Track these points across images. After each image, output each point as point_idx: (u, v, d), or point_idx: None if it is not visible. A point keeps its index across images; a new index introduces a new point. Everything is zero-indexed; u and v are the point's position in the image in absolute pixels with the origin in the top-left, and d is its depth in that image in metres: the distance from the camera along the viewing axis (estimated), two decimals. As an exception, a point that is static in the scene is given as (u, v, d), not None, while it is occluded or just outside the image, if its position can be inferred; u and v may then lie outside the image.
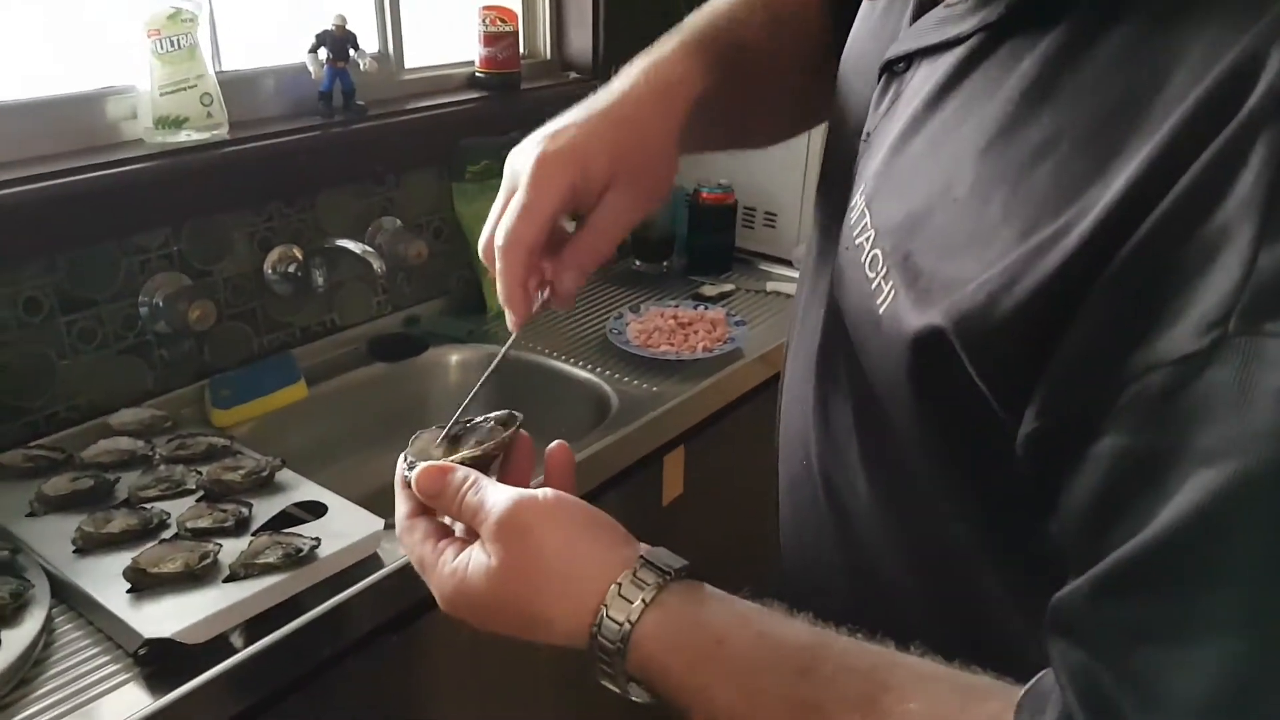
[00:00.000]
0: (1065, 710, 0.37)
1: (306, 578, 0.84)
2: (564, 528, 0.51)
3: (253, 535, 0.87)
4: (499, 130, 1.43)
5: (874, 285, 0.47)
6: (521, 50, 1.50)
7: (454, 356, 1.35)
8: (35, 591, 0.80)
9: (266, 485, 0.95)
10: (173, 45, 1.07)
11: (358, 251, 1.19)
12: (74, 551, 0.84)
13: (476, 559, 0.51)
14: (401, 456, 0.58)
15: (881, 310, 0.47)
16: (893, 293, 0.46)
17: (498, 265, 0.59)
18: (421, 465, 0.55)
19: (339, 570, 0.86)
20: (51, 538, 0.86)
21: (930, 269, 0.44)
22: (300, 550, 0.84)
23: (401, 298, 1.41)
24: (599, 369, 1.28)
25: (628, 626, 0.47)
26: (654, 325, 1.37)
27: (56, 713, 0.72)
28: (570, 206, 0.59)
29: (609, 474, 1.13)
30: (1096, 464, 0.36)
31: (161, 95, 1.07)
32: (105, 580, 0.81)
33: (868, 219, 0.50)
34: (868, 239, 0.49)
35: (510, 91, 1.46)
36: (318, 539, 0.85)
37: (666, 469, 1.24)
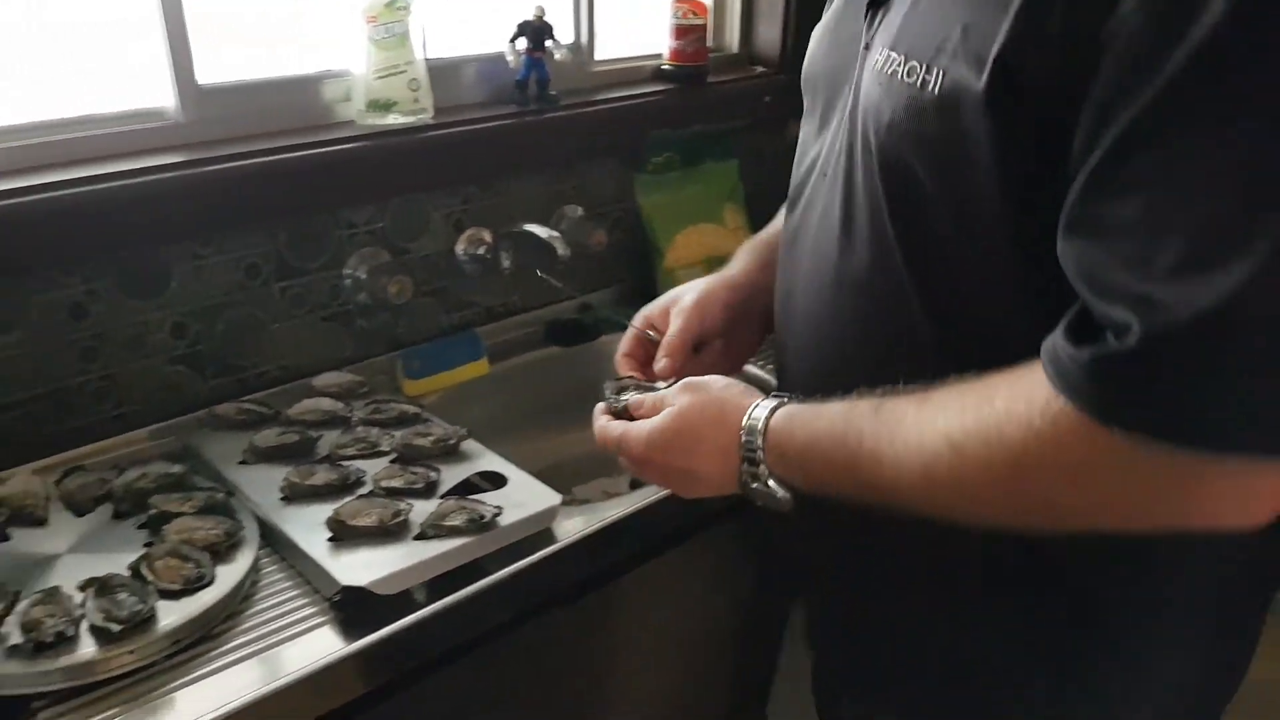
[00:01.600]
0: (1080, 311, 0.51)
1: (488, 543, 0.87)
2: (720, 383, 0.74)
3: (440, 499, 0.91)
4: (683, 123, 1.44)
5: (918, 81, 0.58)
6: (709, 43, 1.50)
7: (625, 344, 1.37)
8: (246, 533, 0.87)
9: (453, 453, 0.99)
10: (388, 32, 1.12)
11: (544, 236, 1.22)
12: (281, 499, 0.91)
13: (661, 415, 0.73)
14: (606, 388, 0.81)
15: (937, 91, 0.56)
16: (941, 73, 0.56)
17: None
18: (632, 395, 0.79)
19: (517, 540, 0.89)
20: (261, 485, 0.93)
21: (963, 45, 0.55)
22: (483, 517, 0.87)
23: (578, 284, 1.44)
24: (758, 360, 1.26)
25: (762, 422, 0.68)
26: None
27: (259, 647, 0.78)
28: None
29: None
30: (1122, 102, 0.48)
31: (375, 79, 1.13)
32: (308, 528, 0.86)
33: (894, 52, 0.61)
34: (898, 64, 0.60)
35: (696, 85, 1.46)
36: (499, 508, 0.88)
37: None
